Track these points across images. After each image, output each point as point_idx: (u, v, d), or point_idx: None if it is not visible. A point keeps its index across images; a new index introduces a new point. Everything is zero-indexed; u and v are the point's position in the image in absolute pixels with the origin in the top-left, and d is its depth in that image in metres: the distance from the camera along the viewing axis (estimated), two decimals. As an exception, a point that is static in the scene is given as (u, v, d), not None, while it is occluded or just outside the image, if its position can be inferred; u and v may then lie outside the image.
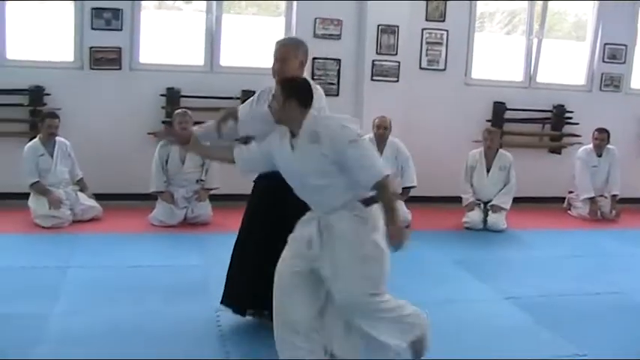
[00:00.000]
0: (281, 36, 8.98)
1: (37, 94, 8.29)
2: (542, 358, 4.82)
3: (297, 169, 4.04)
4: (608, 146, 9.36)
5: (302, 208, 4.21)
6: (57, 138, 7.82)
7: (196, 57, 8.86)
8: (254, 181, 4.99)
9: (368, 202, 3.99)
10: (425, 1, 9.22)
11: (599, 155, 9.35)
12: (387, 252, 4.03)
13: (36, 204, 7.60)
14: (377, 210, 4.01)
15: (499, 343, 5.00)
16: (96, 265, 6.31)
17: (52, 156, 7.77)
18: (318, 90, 4.52)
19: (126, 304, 5.41)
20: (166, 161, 7.90)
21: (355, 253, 3.93)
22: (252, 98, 5.06)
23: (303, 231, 4.11)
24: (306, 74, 8.75)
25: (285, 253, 4.16)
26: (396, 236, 3.94)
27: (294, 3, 8.96)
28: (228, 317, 5.08)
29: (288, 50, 4.79)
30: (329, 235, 4.00)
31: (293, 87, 4.08)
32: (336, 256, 3.95)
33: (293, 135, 4.01)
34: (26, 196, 7.77)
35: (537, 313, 5.56)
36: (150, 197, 8.04)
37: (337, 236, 3.96)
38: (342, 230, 3.96)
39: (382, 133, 8.22)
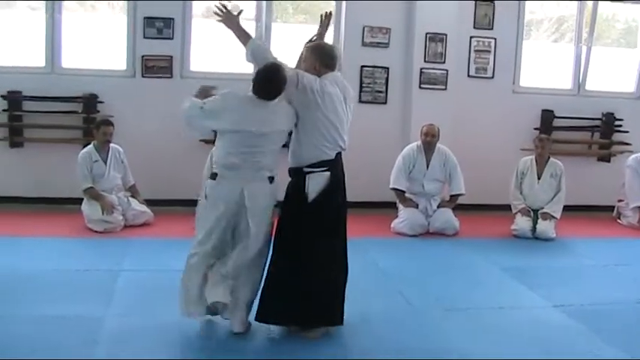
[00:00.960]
0: (330, 44, 9.06)
1: (90, 102, 8.49)
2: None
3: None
4: (660, 154, 9.26)
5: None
6: (111, 145, 7.98)
7: (244, 65, 8.92)
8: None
9: None
10: (473, 10, 9.23)
11: (651, 163, 9.25)
12: None
13: (89, 209, 7.75)
14: None
15: (548, 351, 4.98)
16: (147, 268, 6.44)
17: (105, 162, 7.93)
18: None
19: (177, 307, 5.48)
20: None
21: None
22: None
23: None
24: (354, 82, 8.92)
25: None
26: None
27: (343, 11, 9.03)
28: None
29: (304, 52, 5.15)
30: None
31: None
32: None
33: None
34: (79, 200, 7.93)
35: (587, 321, 5.53)
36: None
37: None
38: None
39: (430, 140, 8.24)
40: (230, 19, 4.98)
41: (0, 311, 5.18)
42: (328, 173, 4.86)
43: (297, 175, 4.91)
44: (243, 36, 4.94)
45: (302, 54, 5.11)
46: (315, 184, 4.82)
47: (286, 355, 4.73)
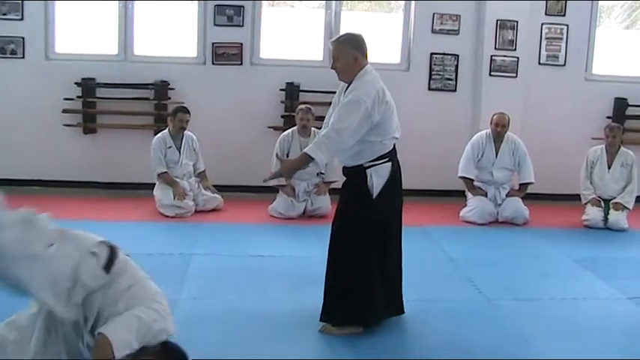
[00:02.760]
0: (399, 32, 9.05)
1: (162, 89, 8.62)
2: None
3: None
4: None
5: None
6: (185, 132, 8.08)
7: (314, 52, 8.99)
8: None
9: None
10: (545, -4, 9.11)
11: None
12: None
13: (161, 194, 7.87)
14: None
15: (622, 342, 4.95)
16: (219, 253, 6.53)
17: (179, 150, 8.04)
18: None
19: (248, 290, 5.59)
20: (287, 154, 8.03)
21: None
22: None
23: None
24: (424, 70, 8.86)
25: None
26: None
27: (413, -1, 9.00)
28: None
29: (338, 47, 4.81)
30: None
31: None
32: None
33: None
34: (151, 186, 8.06)
35: (665, 314, 5.44)
36: (269, 189, 8.20)
37: None
38: None
39: (500, 131, 8.17)
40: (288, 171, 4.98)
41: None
42: (390, 163, 4.82)
43: (355, 172, 4.84)
44: (302, 160, 4.83)
45: (333, 52, 4.85)
46: (378, 176, 4.78)
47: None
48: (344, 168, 4.98)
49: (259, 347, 4.59)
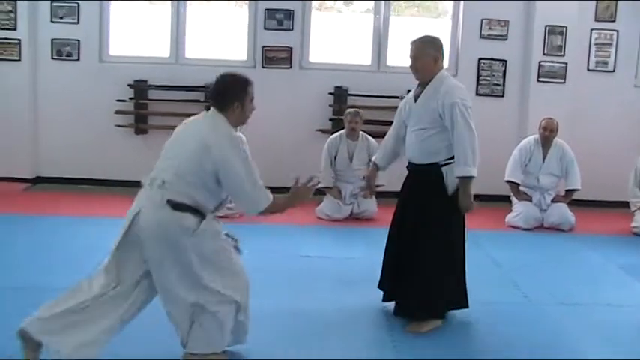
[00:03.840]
0: (447, 37, 9.10)
1: (212, 91, 8.75)
2: None
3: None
4: None
5: None
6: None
7: (363, 57, 9.09)
8: None
9: None
10: (595, 1, 9.09)
11: None
12: None
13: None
14: None
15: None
16: (267, 253, 6.62)
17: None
18: None
19: (296, 289, 5.74)
20: (335, 157, 8.14)
21: None
22: None
23: None
24: (472, 75, 8.89)
25: None
26: None
27: (461, 4, 9.04)
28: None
29: (418, 47, 4.98)
30: None
31: None
32: None
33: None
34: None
35: None
36: (317, 191, 8.29)
37: None
38: None
39: (548, 135, 8.16)
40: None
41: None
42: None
43: (428, 170, 4.99)
44: (465, 187, 4.95)
45: (412, 51, 5.00)
46: (452, 174, 4.91)
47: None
48: (411, 164, 5.13)
49: (308, 344, 4.71)
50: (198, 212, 4.04)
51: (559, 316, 5.41)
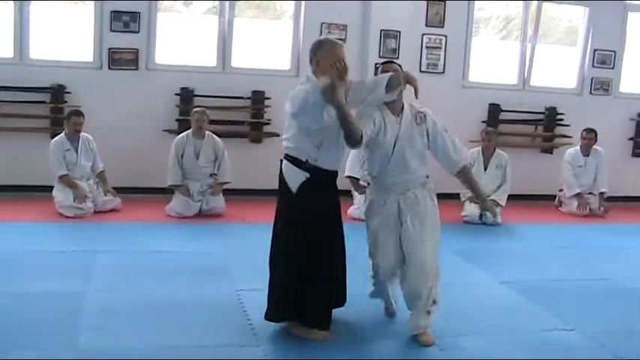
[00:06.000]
0: (289, 39, 9.46)
1: (58, 92, 8.74)
2: (535, 331, 5.31)
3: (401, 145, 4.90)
4: (596, 147, 9.84)
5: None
6: (81, 134, 8.28)
7: (209, 58, 9.30)
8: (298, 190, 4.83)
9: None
10: (425, 8, 9.69)
11: (587, 155, 9.85)
12: None
13: (61, 195, 8.03)
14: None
15: (496, 320, 5.51)
16: (121, 249, 6.78)
17: (77, 151, 8.23)
18: None
19: (153, 283, 5.88)
20: (182, 156, 8.35)
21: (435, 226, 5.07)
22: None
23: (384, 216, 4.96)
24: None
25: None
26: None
27: (302, 8, 9.41)
28: (250, 295, 5.55)
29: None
30: (412, 211, 4.91)
31: None
32: (423, 227, 4.93)
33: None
34: (48, 188, 8.22)
35: (530, 295, 6.07)
36: (165, 190, 8.50)
37: (422, 211, 4.95)
38: (426, 206, 4.98)
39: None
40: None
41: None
42: None
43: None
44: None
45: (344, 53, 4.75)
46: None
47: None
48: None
49: (169, 334, 4.87)
50: None
51: (399, 297, 5.77)
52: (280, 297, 4.91)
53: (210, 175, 8.53)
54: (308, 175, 4.75)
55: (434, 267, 4.96)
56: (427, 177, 5.13)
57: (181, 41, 9.96)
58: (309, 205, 4.77)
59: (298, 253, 4.81)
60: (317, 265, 4.83)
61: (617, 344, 5.08)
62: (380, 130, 4.84)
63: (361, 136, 4.54)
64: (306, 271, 4.82)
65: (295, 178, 4.80)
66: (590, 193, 9.86)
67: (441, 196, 9.36)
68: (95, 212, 8.11)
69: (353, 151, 8.59)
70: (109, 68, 8.88)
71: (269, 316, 4.98)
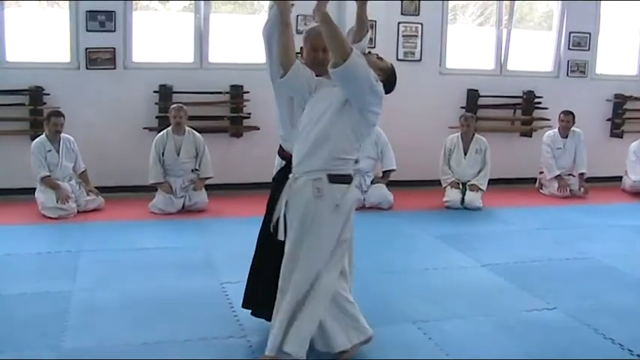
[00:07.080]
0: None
1: (36, 94, 8.72)
2: (518, 312, 5.39)
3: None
4: (574, 129, 9.94)
5: None
6: (62, 135, 8.28)
7: (186, 54, 9.33)
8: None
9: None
10: (400, -3, 9.76)
11: (565, 137, 9.95)
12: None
13: (44, 196, 8.04)
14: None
15: (478, 302, 5.59)
16: (106, 248, 6.81)
17: (58, 152, 8.23)
18: None
19: (138, 280, 5.92)
20: (162, 153, 8.37)
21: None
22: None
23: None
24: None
25: None
26: None
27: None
28: (234, 287, 5.53)
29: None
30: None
31: None
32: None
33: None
34: (30, 190, 8.24)
35: (511, 276, 6.17)
36: (148, 188, 8.52)
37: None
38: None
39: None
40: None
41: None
42: None
43: None
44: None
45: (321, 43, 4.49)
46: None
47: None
48: None
49: (155, 330, 4.90)
50: None
51: (382, 283, 5.98)
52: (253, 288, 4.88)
53: (192, 170, 8.56)
54: (284, 163, 4.73)
55: None
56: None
57: (158, 39, 9.96)
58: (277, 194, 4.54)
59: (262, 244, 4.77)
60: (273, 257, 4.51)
61: (597, 321, 5.16)
62: None
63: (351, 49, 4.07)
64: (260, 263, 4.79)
65: (277, 167, 4.82)
66: (570, 175, 9.97)
67: (423, 183, 9.66)
68: (78, 212, 8.13)
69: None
70: (87, 68, 8.87)
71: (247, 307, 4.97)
